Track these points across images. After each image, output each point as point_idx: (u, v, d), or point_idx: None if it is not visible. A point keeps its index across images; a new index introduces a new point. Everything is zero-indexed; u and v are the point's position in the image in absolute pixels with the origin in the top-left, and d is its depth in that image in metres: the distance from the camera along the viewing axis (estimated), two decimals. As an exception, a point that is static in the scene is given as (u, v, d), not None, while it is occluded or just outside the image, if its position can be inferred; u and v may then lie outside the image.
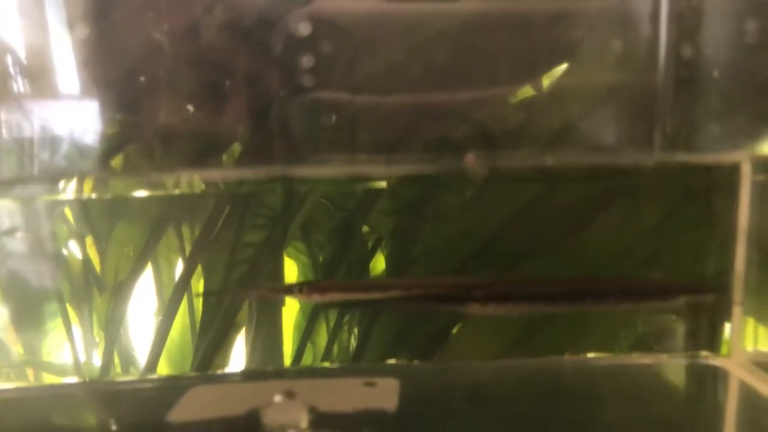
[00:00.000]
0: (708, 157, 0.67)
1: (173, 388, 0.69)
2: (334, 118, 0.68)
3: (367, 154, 0.69)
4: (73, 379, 0.95)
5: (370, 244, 0.86)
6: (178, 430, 0.55)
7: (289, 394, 0.56)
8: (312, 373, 0.75)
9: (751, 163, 0.66)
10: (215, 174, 0.75)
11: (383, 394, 0.58)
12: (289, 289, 0.68)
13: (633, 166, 0.67)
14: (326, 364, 0.85)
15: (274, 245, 0.80)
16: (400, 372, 0.67)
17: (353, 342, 0.86)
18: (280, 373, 0.77)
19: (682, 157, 0.65)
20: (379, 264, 0.86)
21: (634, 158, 0.66)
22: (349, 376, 0.66)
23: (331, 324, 0.87)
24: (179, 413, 0.56)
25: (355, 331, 0.86)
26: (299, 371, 0.80)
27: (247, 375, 0.75)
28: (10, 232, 0.84)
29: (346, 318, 0.86)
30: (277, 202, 0.81)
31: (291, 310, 0.90)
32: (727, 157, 0.67)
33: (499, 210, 0.74)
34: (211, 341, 0.77)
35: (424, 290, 0.64)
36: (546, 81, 0.71)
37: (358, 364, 0.80)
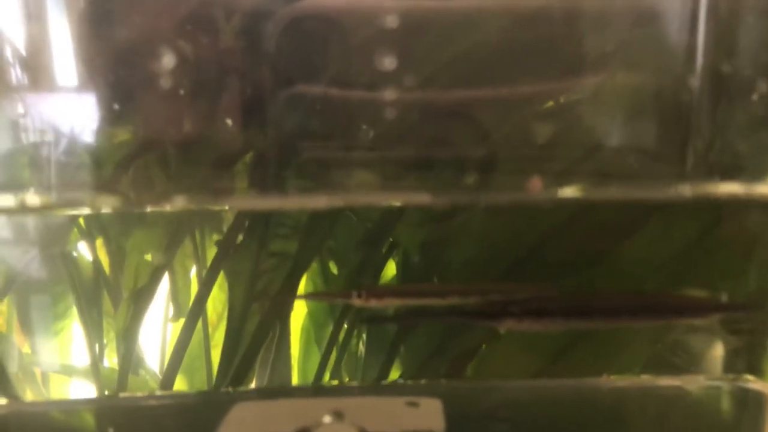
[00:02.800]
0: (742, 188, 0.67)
1: (197, 404, 0.69)
2: (371, 134, 0.68)
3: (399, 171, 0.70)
4: (83, 383, 0.95)
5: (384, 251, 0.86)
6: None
7: (338, 415, 0.56)
8: (343, 391, 0.75)
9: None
10: (236, 202, 0.75)
11: (428, 415, 0.58)
12: (347, 295, 0.69)
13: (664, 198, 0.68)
14: (335, 382, 0.85)
15: (301, 261, 0.80)
16: (434, 390, 0.68)
17: (362, 357, 0.87)
18: (310, 391, 0.77)
19: (715, 188, 0.66)
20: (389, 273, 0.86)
21: (665, 192, 0.67)
22: (381, 394, 0.66)
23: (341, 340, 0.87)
24: (228, 431, 0.56)
25: (361, 347, 0.87)
26: (329, 389, 0.80)
27: (272, 392, 0.75)
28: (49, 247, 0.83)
29: (355, 333, 0.86)
30: (302, 212, 0.81)
31: (297, 323, 0.91)
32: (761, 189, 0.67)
33: (533, 226, 0.75)
34: (243, 356, 0.76)
35: (481, 297, 0.65)
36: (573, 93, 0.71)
37: (389, 382, 0.80)
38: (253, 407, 0.62)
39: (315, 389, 0.80)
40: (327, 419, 0.56)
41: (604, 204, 0.71)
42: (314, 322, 0.91)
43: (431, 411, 0.59)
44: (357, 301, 0.68)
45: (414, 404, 0.61)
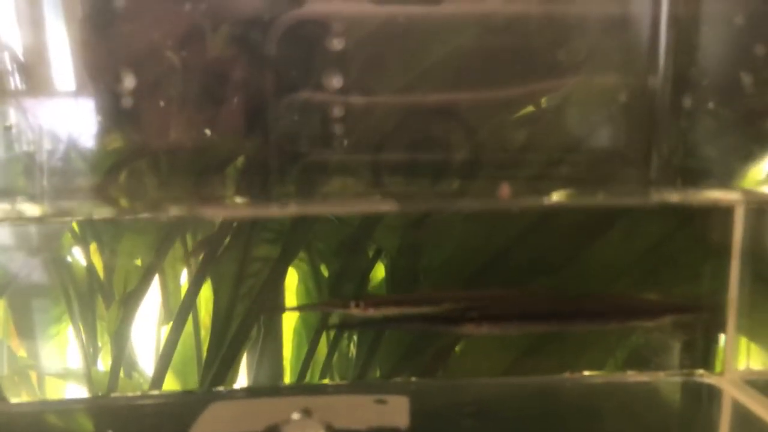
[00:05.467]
0: (704, 195, 0.69)
1: (184, 403, 0.71)
2: (345, 142, 0.70)
3: (375, 178, 0.71)
4: (78, 386, 0.97)
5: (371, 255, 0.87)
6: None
7: (307, 412, 0.58)
8: (318, 390, 0.76)
9: (745, 203, 0.68)
10: (221, 211, 0.77)
11: (395, 412, 0.60)
12: (345, 304, 0.70)
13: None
14: (326, 381, 0.87)
15: (283, 263, 0.82)
16: (405, 389, 0.69)
17: (353, 357, 0.88)
18: (289, 390, 0.78)
19: (678, 195, 0.68)
20: (378, 275, 0.88)
21: (630, 199, 0.69)
22: (355, 392, 0.68)
23: (332, 340, 0.89)
24: (200, 429, 0.58)
25: (353, 348, 0.89)
26: (306, 387, 0.82)
27: (257, 391, 0.77)
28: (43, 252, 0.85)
29: (346, 334, 0.88)
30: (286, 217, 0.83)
31: (289, 325, 0.93)
32: (722, 196, 0.69)
33: (502, 230, 0.76)
34: (225, 356, 0.78)
35: (472, 303, 0.67)
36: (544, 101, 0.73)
37: (363, 381, 0.82)
38: (227, 406, 0.64)
39: (293, 388, 0.81)
40: (295, 416, 0.58)
41: (573, 208, 0.73)
42: (305, 324, 0.93)
43: (398, 408, 0.61)
44: (355, 311, 0.69)
45: (382, 402, 0.63)
